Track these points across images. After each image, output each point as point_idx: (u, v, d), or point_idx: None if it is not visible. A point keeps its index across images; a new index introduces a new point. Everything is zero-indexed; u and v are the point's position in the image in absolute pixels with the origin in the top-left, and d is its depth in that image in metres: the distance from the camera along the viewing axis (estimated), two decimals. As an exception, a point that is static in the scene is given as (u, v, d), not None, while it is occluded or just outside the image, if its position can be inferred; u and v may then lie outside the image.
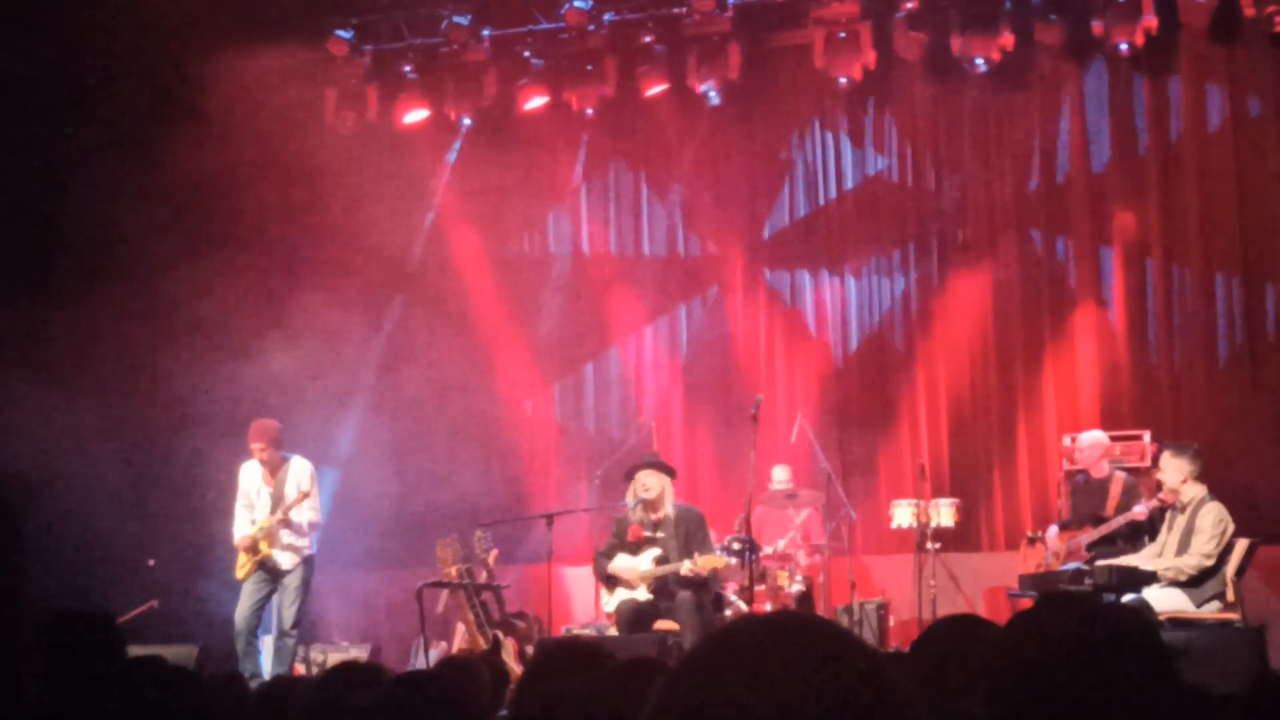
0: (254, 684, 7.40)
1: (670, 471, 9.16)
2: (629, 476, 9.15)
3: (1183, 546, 8.51)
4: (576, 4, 11.37)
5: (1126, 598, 8.31)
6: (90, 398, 10.56)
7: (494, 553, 9.96)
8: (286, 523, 9.50)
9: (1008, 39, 10.88)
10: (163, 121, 10.85)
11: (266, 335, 11.15)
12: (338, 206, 11.81)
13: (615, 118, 12.00)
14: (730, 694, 1.32)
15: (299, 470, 9.61)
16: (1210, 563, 8.39)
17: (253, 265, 11.63)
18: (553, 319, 12.48)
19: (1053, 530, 9.72)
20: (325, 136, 11.86)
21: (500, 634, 9.17)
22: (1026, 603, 8.59)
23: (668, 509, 8.99)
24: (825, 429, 11.44)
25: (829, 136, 12.04)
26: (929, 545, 10.24)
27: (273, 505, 9.56)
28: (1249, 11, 10.40)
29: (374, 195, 12.04)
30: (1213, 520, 8.42)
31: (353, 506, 11.21)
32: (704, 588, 8.82)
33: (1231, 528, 8.46)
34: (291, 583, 9.54)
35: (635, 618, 8.80)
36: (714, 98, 11.62)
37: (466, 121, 12.10)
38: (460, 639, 9.60)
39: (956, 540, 10.75)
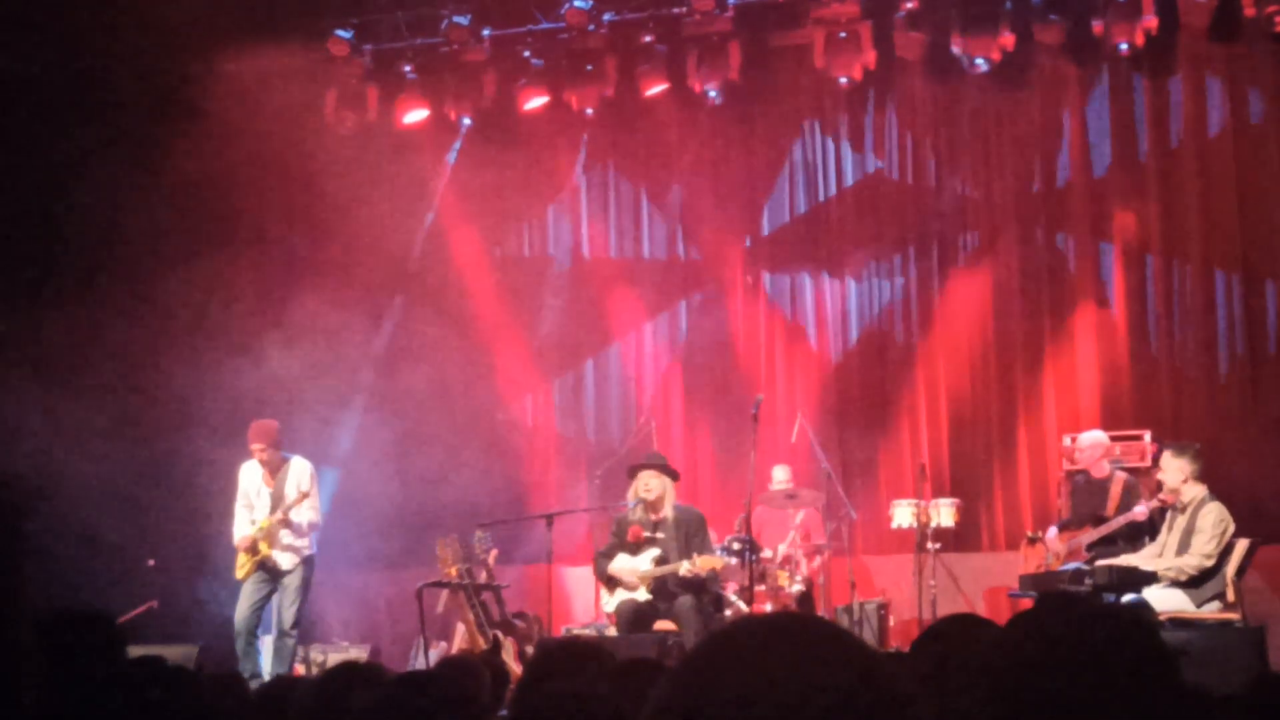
0: (254, 684, 7.41)
1: (673, 474, 9.16)
2: (632, 474, 9.16)
3: (1183, 546, 8.50)
4: (576, 4, 11.37)
5: (1126, 598, 8.31)
6: (90, 398, 10.55)
7: (494, 553, 9.96)
8: (286, 523, 9.50)
9: (1008, 39, 10.88)
10: (163, 121, 10.85)
11: (266, 335, 11.15)
12: (338, 206, 11.80)
13: (615, 118, 12.00)
14: (730, 694, 1.32)
15: (299, 470, 9.61)
16: (1210, 563, 8.39)
17: (253, 265, 11.63)
18: (552, 319, 12.48)
19: (1053, 530, 9.72)
20: (325, 136, 11.86)
21: (500, 634, 9.17)
22: (1026, 603, 8.62)
23: (668, 510, 8.99)
24: (825, 429, 11.44)
25: (829, 136, 12.04)
26: (929, 545, 10.24)
27: (273, 505, 9.56)
28: (1249, 11, 10.40)
29: (374, 195, 12.04)
30: (1213, 520, 8.42)
31: (353, 506, 11.21)
32: (702, 589, 8.81)
33: (1232, 528, 8.46)
34: (291, 583, 9.54)
35: (635, 618, 8.80)
36: (714, 95, 11.61)
37: (466, 121, 12.10)
38: (460, 639, 9.60)
39: (956, 540, 10.75)
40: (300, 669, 10.18)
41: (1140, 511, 9.03)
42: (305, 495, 9.48)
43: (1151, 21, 10.53)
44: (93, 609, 3.63)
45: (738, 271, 12.13)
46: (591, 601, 10.82)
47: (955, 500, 10.53)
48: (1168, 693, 1.97)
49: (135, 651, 3.72)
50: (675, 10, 11.47)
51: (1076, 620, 2.00)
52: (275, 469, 9.62)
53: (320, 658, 10.86)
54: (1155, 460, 9.35)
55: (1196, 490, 8.57)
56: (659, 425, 11.72)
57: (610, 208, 12.57)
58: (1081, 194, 11.31)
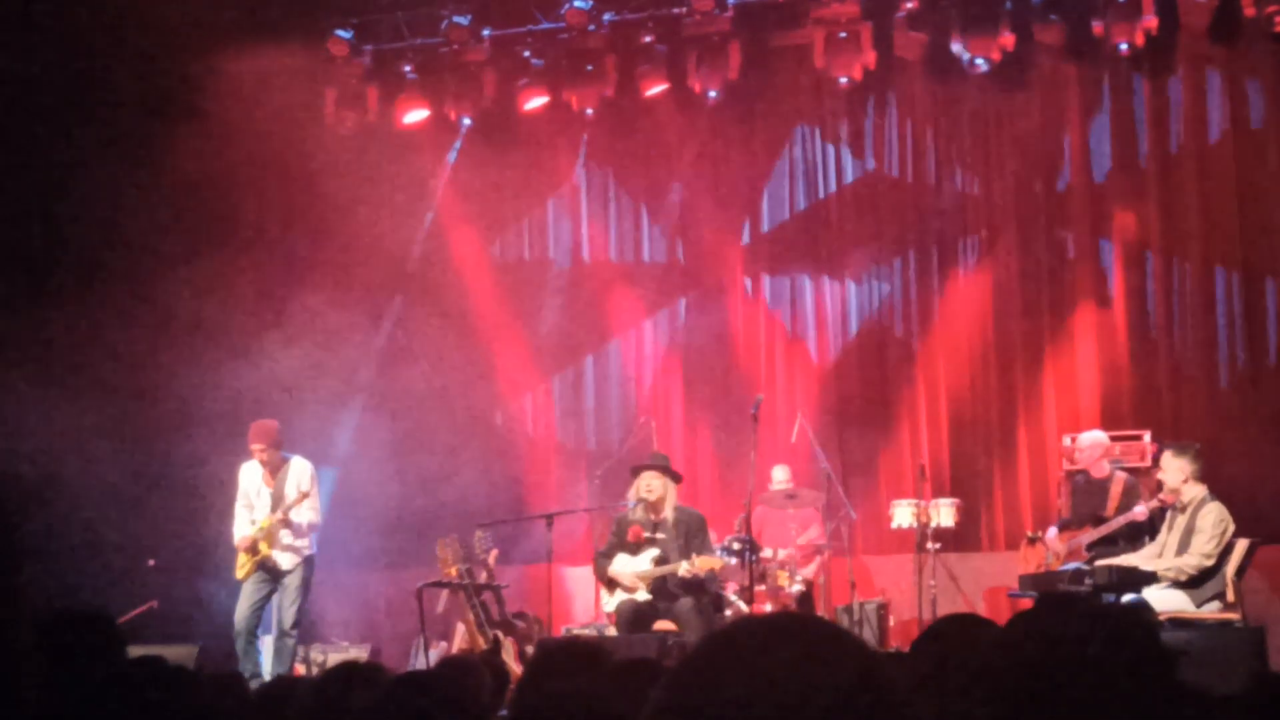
0: (254, 684, 7.41)
1: (676, 477, 9.15)
2: (635, 474, 9.16)
3: (1183, 546, 8.50)
4: (576, 4, 11.37)
5: (1126, 598, 8.31)
6: (90, 398, 10.55)
7: (494, 553, 9.96)
8: (286, 523, 9.50)
9: (1008, 39, 10.87)
10: (163, 121, 10.85)
11: (266, 335, 11.15)
12: (338, 206, 11.81)
13: (615, 118, 12.00)
14: (730, 694, 1.33)
15: (299, 471, 9.61)
16: (1210, 562, 8.39)
17: (253, 265, 11.63)
18: (552, 318, 12.48)
19: (1053, 530, 9.72)
20: (325, 136, 11.86)
21: (500, 634, 9.17)
22: (1026, 603, 8.62)
23: (669, 511, 9.00)
24: (825, 429, 11.44)
25: (829, 137, 12.04)
26: (929, 545, 10.24)
27: (273, 505, 9.56)
28: (1249, 11, 10.40)
29: (374, 195, 12.05)
30: (1213, 520, 8.42)
31: (353, 506, 11.21)
32: (702, 589, 8.81)
33: (1232, 528, 8.46)
34: (292, 583, 9.54)
35: (635, 618, 8.80)
36: (714, 95, 11.62)
37: (466, 121, 12.10)
38: (460, 639, 9.60)
39: (956, 540, 10.75)
40: (300, 669, 10.18)
41: (1140, 511, 9.03)
42: (305, 495, 9.48)
43: (1151, 21, 10.53)
44: (93, 609, 3.63)
45: (737, 271, 12.13)
46: (591, 601, 10.81)
47: (955, 500, 10.52)
48: (1167, 693, 1.97)
49: (135, 651, 3.72)
50: (675, 10, 11.47)
51: (1076, 620, 2.00)
52: (275, 469, 9.62)
53: (320, 658, 10.86)
54: (1155, 460, 9.35)
55: (1196, 490, 8.57)
56: (659, 425, 11.72)
57: (610, 207, 12.57)
58: (1081, 194, 11.31)
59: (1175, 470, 8.59)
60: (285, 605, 9.53)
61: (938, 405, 11.54)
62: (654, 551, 8.93)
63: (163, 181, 10.92)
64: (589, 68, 11.66)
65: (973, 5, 10.87)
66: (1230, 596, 8.39)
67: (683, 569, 8.66)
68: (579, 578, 11.31)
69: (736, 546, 9.59)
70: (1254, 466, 10.20)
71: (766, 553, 10.35)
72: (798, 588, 10.16)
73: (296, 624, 9.58)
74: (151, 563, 10.88)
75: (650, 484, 8.98)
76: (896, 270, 11.79)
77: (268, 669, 9.59)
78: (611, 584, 9.12)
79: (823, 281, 11.98)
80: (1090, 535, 9.31)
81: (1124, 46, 10.66)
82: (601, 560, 9.18)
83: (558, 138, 12.33)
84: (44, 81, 11.17)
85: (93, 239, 11.34)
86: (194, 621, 10.58)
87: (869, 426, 11.61)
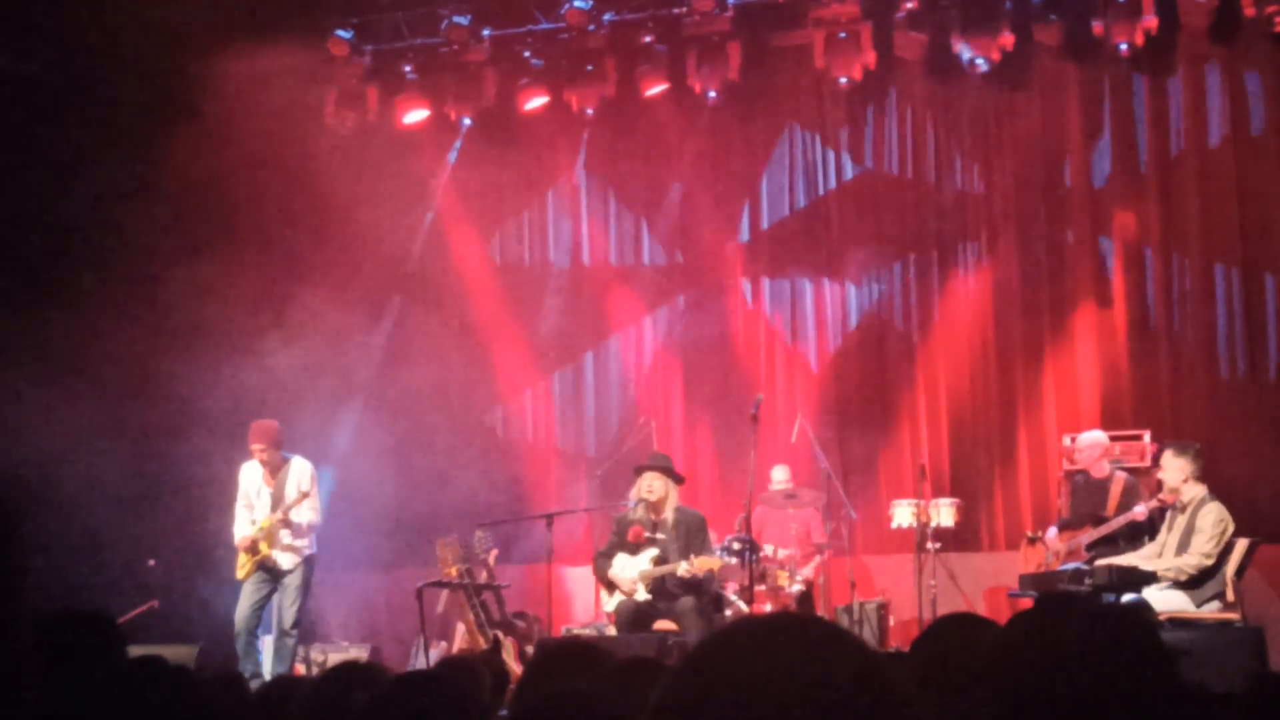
0: (254, 684, 7.40)
1: (678, 479, 9.15)
2: (637, 474, 9.16)
3: (1183, 546, 8.51)
4: (576, 4, 11.37)
5: (1126, 598, 8.31)
6: (90, 398, 10.55)
7: (494, 553, 9.97)
8: (286, 523, 9.50)
9: (1008, 39, 10.88)
10: (163, 121, 10.85)
11: (266, 335, 11.15)
12: (338, 206, 11.81)
13: (615, 118, 11.99)
14: (730, 694, 1.33)
15: (299, 470, 9.61)
16: (1210, 562, 8.39)
17: (253, 265, 11.62)
18: (552, 318, 12.48)
19: (1053, 530, 9.72)
20: (325, 136, 11.87)
21: (500, 634, 9.17)
22: (1026, 603, 8.61)
23: (670, 512, 9.00)
24: (825, 429, 11.44)
25: (829, 137, 12.04)
26: (929, 545, 10.23)
27: (273, 505, 9.56)
28: (1249, 11, 10.40)
29: (374, 195, 12.05)
30: (1213, 520, 8.42)
31: (353, 506, 11.21)
32: (701, 590, 8.81)
33: (1231, 527, 8.46)
34: (292, 583, 9.54)
35: (635, 618, 8.80)
36: (713, 95, 11.62)
37: (466, 121, 12.10)
38: (460, 639, 9.61)
39: (956, 540, 10.75)
40: (300, 669, 10.18)
41: (1140, 511, 9.04)
42: (305, 495, 9.48)
43: (1151, 21, 10.53)
44: (93, 609, 3.63)
45: (737, 271, 12.13)
46: (591, 601, 10.82)
47: (955, 500, 10.52)
48: (1167, 693, 1.97)
49: (135, 651, 3.71)
50: (675, 10, 11.47)
51: (1076, 620, 2.00)
52: (276, 469, 9.62)
53: (320, 658, 10.86)
54: (1155, 460, 9.35)
55: (1196, 490, 8.57)
56: (659, 425, 11.71)
57: (610, 207, 12.57)
58: (1081, 194, 11.30)
59: (1175, 470, 8.60)
60: (285, 605, 9.54)
61: (938, 405, 11.54)
62: (653, 551, 8.94)
63: (163, 181, 10.92)
64: (589, 68, 11.66)
65: (973, 5, 10.87)
66: (1230, 596, 8.40)
67: (682, 569, 8.66)
68: (579, 578, 11.31)
69: (736, 546, 9.59)
70: (1254, 466, 10.20)
71: (767, 549, 10.35)
72: (798, 588, 10.16)
73: (296, 624, 9.58)
74: (151, 563, 10.88)
75: (652, 484, 8.98)
76: (896, 270, 11.79)
77: (268, 669, 9.59)
78: (611, 585, 9.13)
79: (823, 281, 11.98)
80: (1090, 535, 9.31)
81: (1124, 46, 10.66)
82: (602, 560, 9.18)
83: (558, 138, 12.33)
84: (44, 81, 11.17)
85: (93, 239, 11.34)
86: (194, 621, 10.59)
87: (869, 426, 11.61)
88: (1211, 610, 8.37)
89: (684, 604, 8.68)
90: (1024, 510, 11.11)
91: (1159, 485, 8.93)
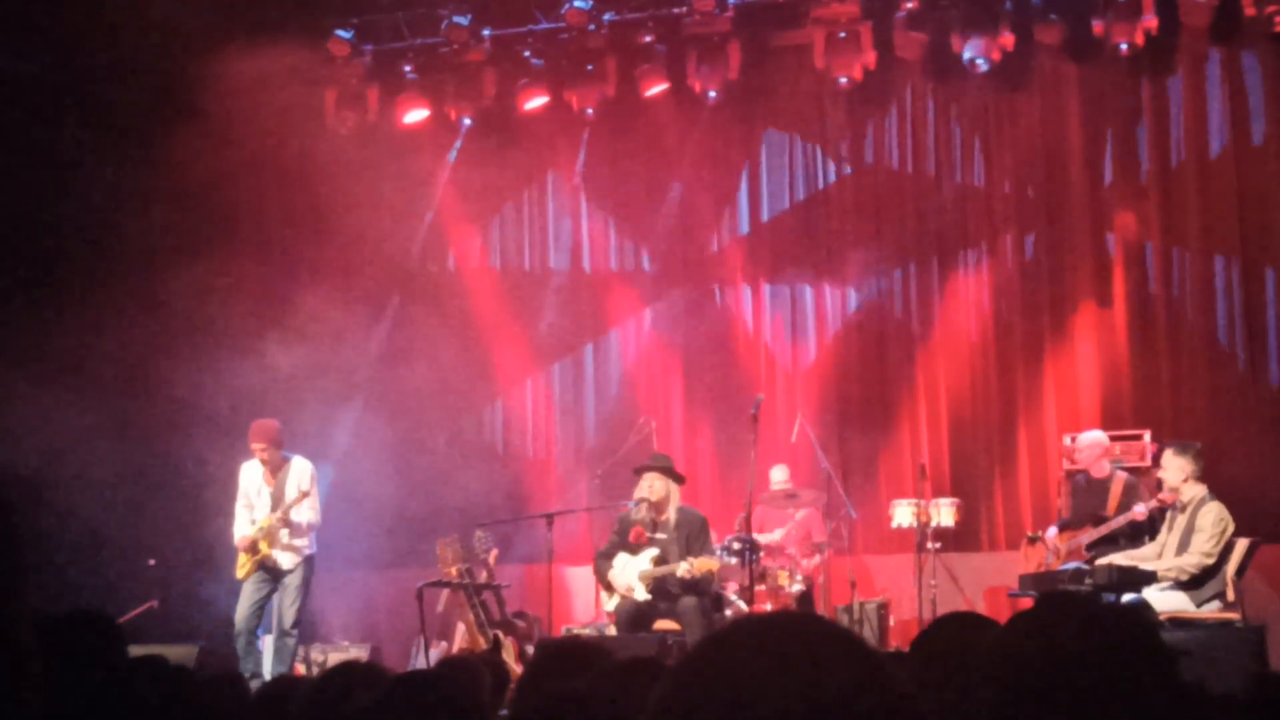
0: (254, 684, 7.41)
1: (679, 478, 9.16)
2: (638, 474, 9.16)
3: (1183, 546, 8.51)
4: (576, 4, 11.37)
5: (1126, 598, 8.30)
6: (90, 398, 10.55)
7: (494, 553, 9.97)
8: (286, 523, 9.50)
9: (1008, 39, 10.88)
10: (163, 121, 10.85)
11: (266, 335, 11.15)
12: (337, 206, 11.81)
13: (615, 118, 11.99)
14: (730, 694, 1.32)
15: (299, 470, 9.61)
16: (1210, 561, 8.40)
17: (253, 265, 11.63)
18: (552, 317, 12.48)
19: (1053, 530, 9.72)
20: (325, 136, 11.87)
21: (500, 634, 9.17)
22: (1026, 603, 8.60)
23: (672, 512, 9.00)
24: (825, 429, 11.43)
25: (829, 137, 12.03)
26: (929, 545, 10.23)
27: (273, 505, 9.56)
28: (1249, 11, 10.40)
29: (374, 195, 12.05)
30: (1213, 519, 8.42)
31: (353, 506, 11.21)
32: (699, 589, 8.80)
33: (1232, 527, 8.46)
34: (292, 582, 9.54)
35: (635, 618, 8.80)
36: (713, 95, 11.62)
37: (466, 121, 12.10)
38: (460, 639, 9.61)
39: (957, 540, 10.75)
40: (300, 669, 10.18)
41: (1140, 511, 9.04)
42: (305, 495, 9.48)
43: (1151, 21, 10.53)
44: (93, 609, 3.63)
45: (737, 270, 12.13)
46: (591, 601, 10.82)
47: (955, 500, 10.52)
48: (1167, 692, 1.97)
49: (135, 651, 3.71)
50: (675, 10, 11.47)
51: (1076, 620, 2.00)
52: (276, 468, 9.62)
53: (320, 658, 10.86)
54: (1155, 460, 9.35)
55: (1196, 490, 8.57)
56: (659, 425, 11.71)
57: (610, 208, 12.57)
58: (1081, 193, 11.30)
59: (1176, 469, 8.60)
60: (285, 605, 9.54)
61: (938, 405, 11.54)
62: (653, 551, 8.94)
63: (163, 181, 10.92)
64: (589, 68, 11.66)
65: (973, 5, 10.87)
66: (1230, 596, 8.40)
67: (681, 569, 8.66)
68: (579, 578, 11.31)
69: (736, 546, 9.59)
70: (1254, 466, 10.20)
71: (776, 535, 10.37)
72: (798, 588, 10.16)
73: (297, 623, 9.59)
74: (151, 563, 10.88)
75: (653, 485, 8.99)
76: (896, 270, 11.79)
77: (268, 669, 9.59)
78: (610, 586, 9.13)
79: (822, 281, 11.98)
80: (1090, 535, 9.32)
81: (1124, 46, 10.66)
82: (602, 560, 9.18)
83: (558, 138, 12.33)
84: (44, 81, 11.17)
85: (93, 239, 11.34)
86: (194, 621, 10.59)
87: (869, 426, 11.61)
88: (1211, 610, 8.37)
89: (684, 604, 8.68)
90: (1024, 510, 11.10)
91: (1159, 485, 8.93)
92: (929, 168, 11.77)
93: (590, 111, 11.87)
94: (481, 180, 12.26)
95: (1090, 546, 9.27)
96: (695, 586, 8.74)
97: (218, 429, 10.73)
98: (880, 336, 11.81)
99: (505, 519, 10.78)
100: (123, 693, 2.98)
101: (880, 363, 11.79)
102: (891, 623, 10.39)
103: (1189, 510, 8.56)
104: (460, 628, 9.63)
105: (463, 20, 11.60)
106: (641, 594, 8.87)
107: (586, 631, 9.89)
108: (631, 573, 8.95)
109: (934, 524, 10.29)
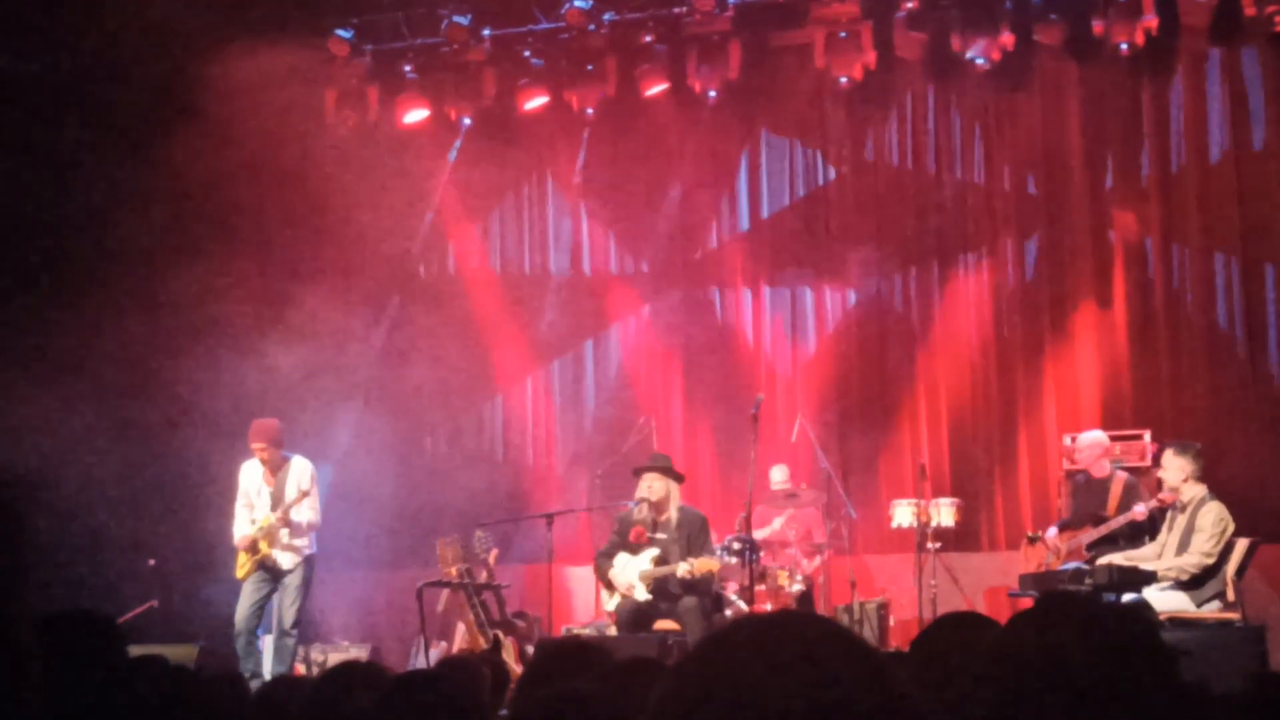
0: (254, 684, 7.40)
1: (678, 478, 9.16)
2: (637, 474, 9.16)
3: (1183, 546, 8.51)
4: (576, 4, 11.37)
5: (1126, 597, 8.30)
6: (90, 398, 10.55)
7: (494, 553, 9.96)
8: (286, 522, 9.50)
9: (1008, 39, 10.88)
10: (163, 122, 10.85)
11: (267, 335, 11.16)
12: (337, 206, 11.81)
13: (615, 117, 11.99)
14: (730, 694, 1.32)
15: (299, 470, 9.61)
16: (1210, 561, 8.40)
17: (253, 265, 11.63)
18: (552, 316, 12.48)
19: (1053, 530, 9.72)
20: (325, 137, 11.87)
21: (500, 634, 9.17)
22: (1026, 603, 8.59)
23: (672, 512, 9.00)
24: (825, 429, 11.43)
25: (829, 137, 12.03)
26: (929, 545, 10.23)
27: (273, 505, 9.56)
28: (1249, 11, 10.40)
29: (374, 195, 12.05)
30: (1213, 519, 8.42)
31: (353, 506, 11.21)
32: (699, 590, 8.80)
33: (1232, 527, 8.46)
34: (292, 582, 9.54)
35: (635, 618, 8.80)
36: (713, 95, 11.63)
37: (466, 121, 12.11)
38: (460, 639, 9.60)
39: (957, 540, 10.75)
40: (300, 669, 10.18)
41: (1140, 511, 9.04)
42: (305, 494, 9.48)
43: (1151, 21, 10.53)
44: (93, 609, 3.63)
45: (737, 270, 12.13)
46: (591, 601, 10.82)
47: (955, 500, 10.52)
48: (1168, 692, 1.97)
49: (135, 651, 3.71)
50: (675, 10, 11.47)
51: (1076, 620, 1.99)
52: (276, 468, 9.62)
53: (320, 658, 10.86)
54: (1155, 460, 9.35)
55: (1197, 490, 8.57)
56: (659, 425, 11.71)
57: (610, 208, 12.56)
58: (1081, 193, 11.30)
59: (1176, 469, 8.60)
60: (285, 605, 9.53)
61: (938, 405, 11.54)
62: (653, 551, 8.94)
63: (162, 182, 10.92)
64: (589, 68, 11.66)
65: (973, 5, 10.87)
66: (1230, 596, 8.40)
67: (681, 570, 8.66)
68: (579, 577, 11.31)
69: (736, 546, 9.59)
70: (1254, 466, 10.21)
71: (774, 524, 10.37)
72: (798, 588, 10.16)
73: (297, 623, 9.58)
74: (152, 563, 10.88)
75: (652, 484, 8.99)
76: (897, 269, 11.79)
77: (268, 669, 9.59)
78: (611, 586, 9.13)
79: (823, 281, 11.98)
80: (1090, 535, 9.31)
81: (1124, 46, 10.66)
82: (603, 560, 9.18)
83: (558, 137, 12.33)
84: (44, 81, 11.17)
85: (93, 239, 11.33)
86: (194, 621, 10.58)
87: (869, 426, 11.61)
88: (1212, 610, 8.37)
89: (685, 604, 8.69)
90: (1024, 510, 11.10)
91: (1159, 485, 8.93)
92: (929, 168, 11.77)
93: (590, 111, 11.87)
94: (481, 180, 12.26)
95: (1090, 546, 9.27)
96: (695, 587, 8.74)
97: (218, 429, 10.73)
98: (880, 336, 11.81)
99: (505, 519, 10.78)
100: (123, 693, 2.98)
101: (880, 362, 11.79)
102: (891, 623, 10.39)
103: (1189, 510, 8.56)
104: (460, 628, 9.63)
105: (463, 20, 11.60)
106: (642, 594, 8.87)
107: (586, 631, 9.89)
108: (632, 572, 8.95)
109: (934, 524, 10.29)
